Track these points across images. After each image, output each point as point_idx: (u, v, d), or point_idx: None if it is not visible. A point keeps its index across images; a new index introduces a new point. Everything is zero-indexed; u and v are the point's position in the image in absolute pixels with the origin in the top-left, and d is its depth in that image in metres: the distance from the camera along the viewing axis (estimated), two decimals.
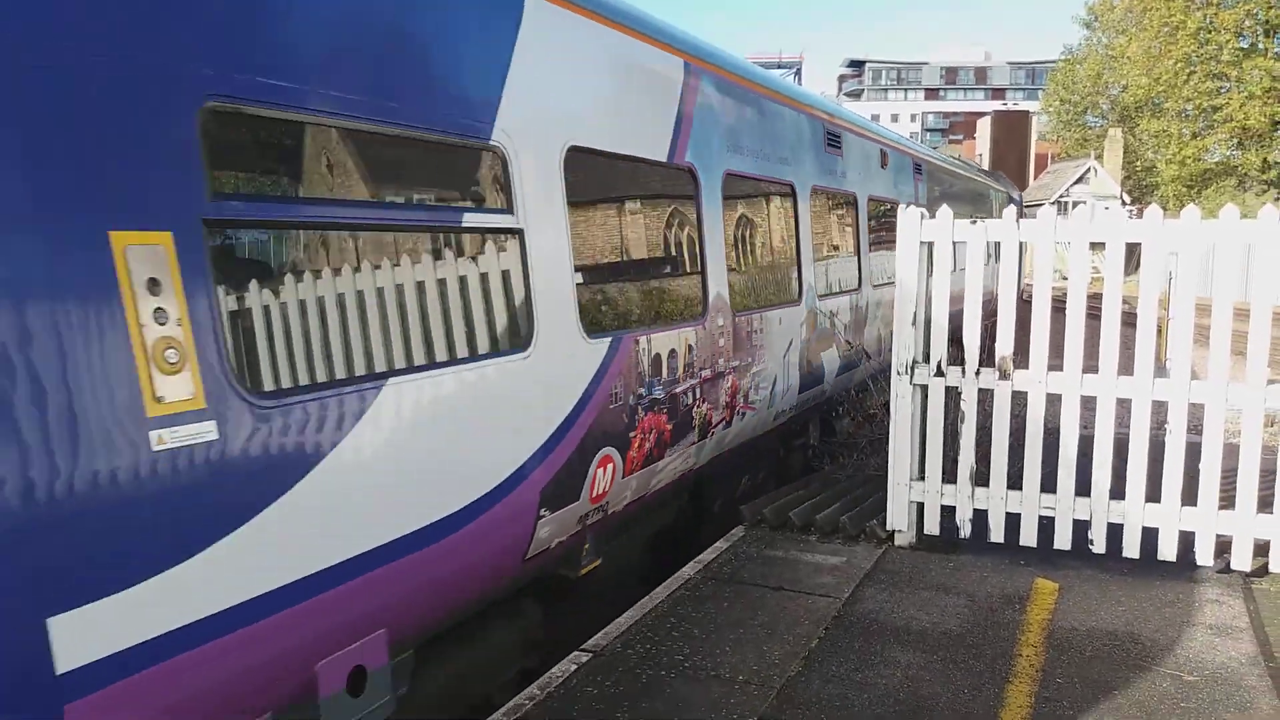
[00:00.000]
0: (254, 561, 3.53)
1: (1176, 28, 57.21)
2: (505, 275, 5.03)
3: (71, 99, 2.98)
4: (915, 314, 7.28)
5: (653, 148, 6.53)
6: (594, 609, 6.51)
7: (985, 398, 7.30)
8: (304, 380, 3.87)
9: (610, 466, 5.92)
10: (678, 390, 6.69)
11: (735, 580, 6.82)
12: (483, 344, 4.86)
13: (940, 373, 7.30)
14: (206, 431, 3.33)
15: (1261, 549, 6.78)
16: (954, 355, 7.33)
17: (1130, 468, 6.86)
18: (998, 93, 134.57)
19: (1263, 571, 6.79)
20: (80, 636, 2.97)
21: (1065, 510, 7.10)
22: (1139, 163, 65.92)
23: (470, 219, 4.87)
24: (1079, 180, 63.59)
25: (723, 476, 8.39)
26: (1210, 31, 56.85)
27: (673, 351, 6.62)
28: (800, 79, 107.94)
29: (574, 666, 5.48)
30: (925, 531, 7.51)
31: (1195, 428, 6.89)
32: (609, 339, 5.85)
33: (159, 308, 3.18)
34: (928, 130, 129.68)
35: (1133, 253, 6.99)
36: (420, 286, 4.54)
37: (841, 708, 5.00)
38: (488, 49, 4.87)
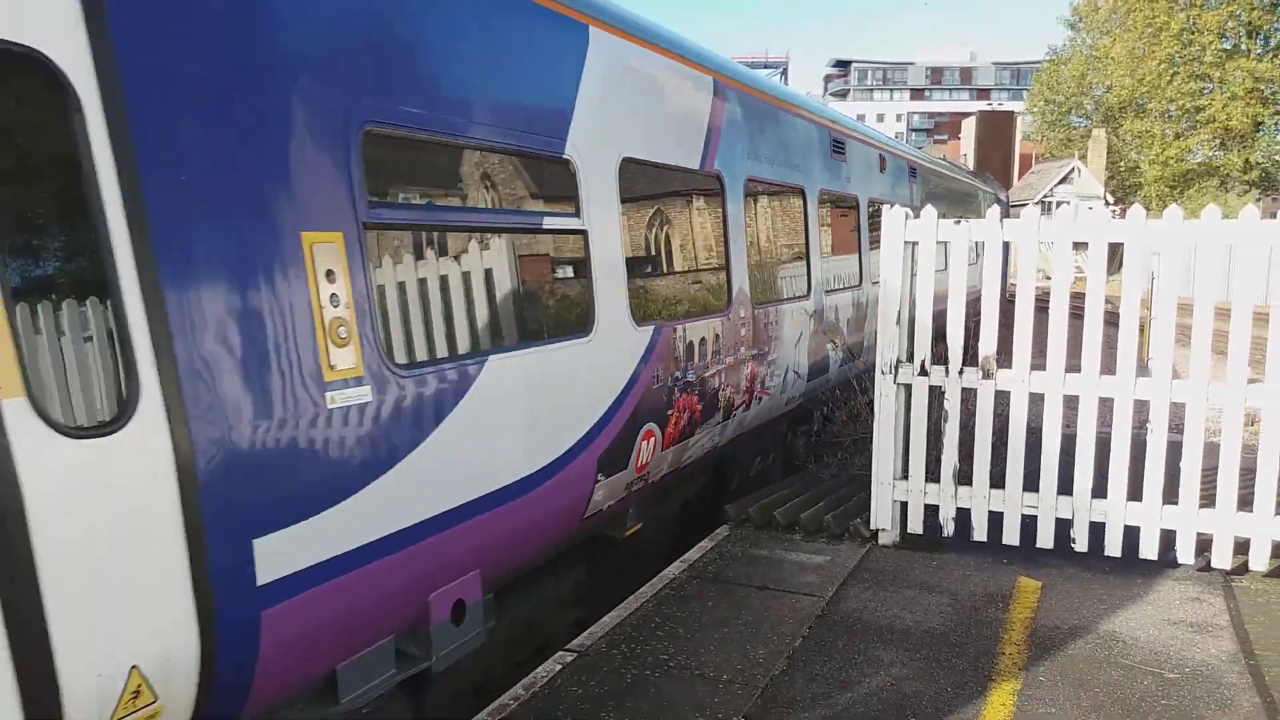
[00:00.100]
0: (393, 504, 4.28)
1: (1160, 29, 57.57)
2: (574, 270, 5.88)
3: (282, 127, 3.77)
4: (899, 313, 7.30)
5: (688, 157, 7.25)
6: (632, 568, 7.28)
7: (968, 397, 7.33)
8: (429, 355, 4.69)
9: (652, 440, 6.65)
10: (707, 375, 7.39)
11: (720, 579, 6.83)
12: (557, 329, 5.71)
13: (924, 372, 7.32)
14: (364, 395, 4.11)
15: (1241, 547, 6.83)
16: (938, 354, 7.35)
17: (1112, 467, 6.90)
18: (983, 93, 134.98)
19: (1243, 569, 6.84)
20: (274, 556, 3.69)
21: (1048, 509, 7.13)
22: (1122, 163, 66.24)
23: (549, 222, 5.70)
24: (1063, 180, 63.90)
25: (741, 456, 9.04)
26: (1193, 33, 57.24)
27: (703, 339, 7.31)
28: (786, 79, 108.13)
29: (559, 666, 5.47)
30: (909, 530, 7.54)
31: (1177, 427, 6.93)
32: (652, 327, 6.56)
33: (333, 293, 3.97)
34: (913, 130, 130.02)
35: (1115, 252, 7.02)
36: (514, 278, 5.42)
37: (825, 707, 5.01)
38: (563, 75, 5.67)
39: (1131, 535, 6.99)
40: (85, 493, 3.08)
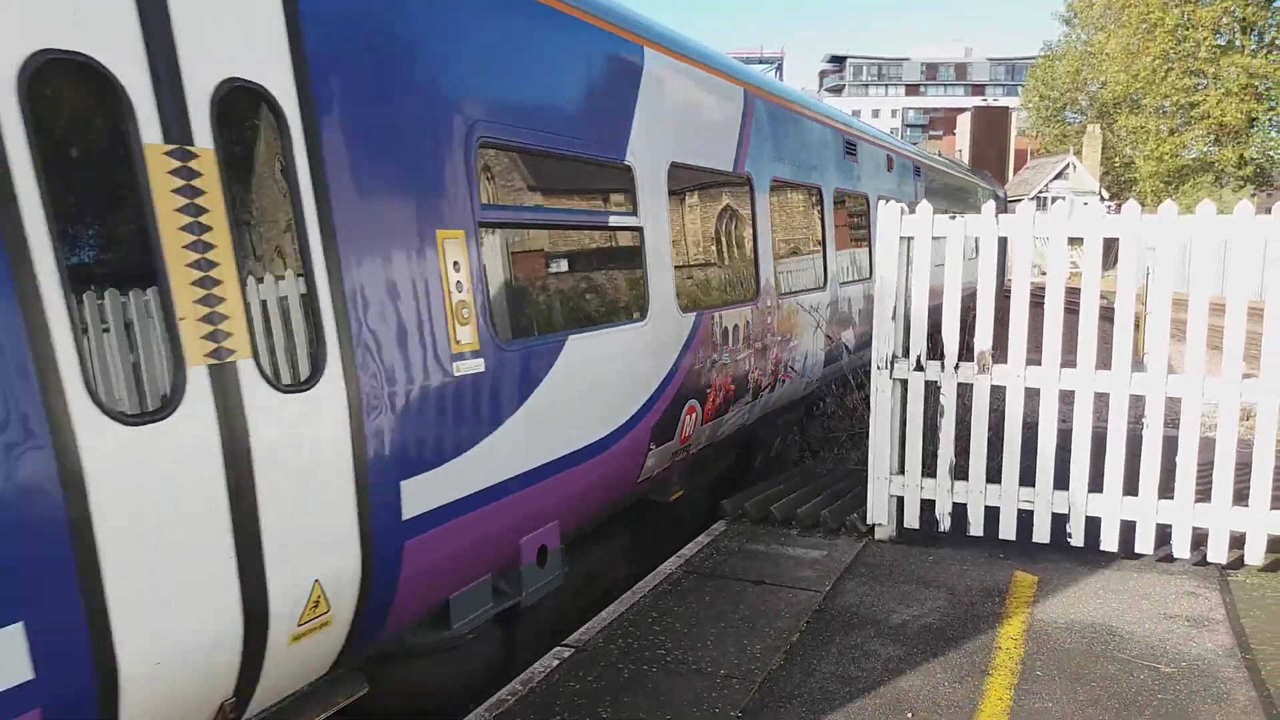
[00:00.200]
0: (496, 459, 5.06)
1: (1155, 25, 57.65)
2: (632, 261, 6.64)
3: (425, 143, 4.61)
4: (895, 309, 7.31)
5: (722, 160, 8.02)
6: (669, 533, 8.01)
7: (964, 392, 7.34)
8: (525, 334, 5.47)
9: (694, 415, 7.44)
10: (739, 358, 8.15)
11: (717, 575, 6.84)
12: (620, 313, 6.48)
13: (920, 367, 7.33)
14: (479, 365, 4.91)
15: (1237, 541, 6.84)
16: (934, 350, 7.36)
17: (1108, 462, 6.91)
18: (978, 89, 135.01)
19: (1239, 564, 6.86)
20: (414, 496, 4.45)
21: (1044, 504, 7.14)
22: (1117, 159, 66.33)
23: (613, 219, 6.49)
24: (1058, 176, 64.00)
25: (764, 435, 9.74)
26: (1188, 29, 57.32)
27: (736, 326, 8.07)
28: (781, 74, 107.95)
29: (556, 662, 5.48)
30: (905, 525, 7.55)
31: (1172, 422, 6.94)
32: (695, 314, 7.34)
33: (458, 280, 4.78)
34: (908, 126, 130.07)
35: (1111, 248, 7.02)
36: (587, 268, 6.36)
37: (822, 701, 5.02)
38: (626, 91, 6.47)
39: (1128, 530, 7.00)
40: (290, 437, 3.82)
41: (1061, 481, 7.08)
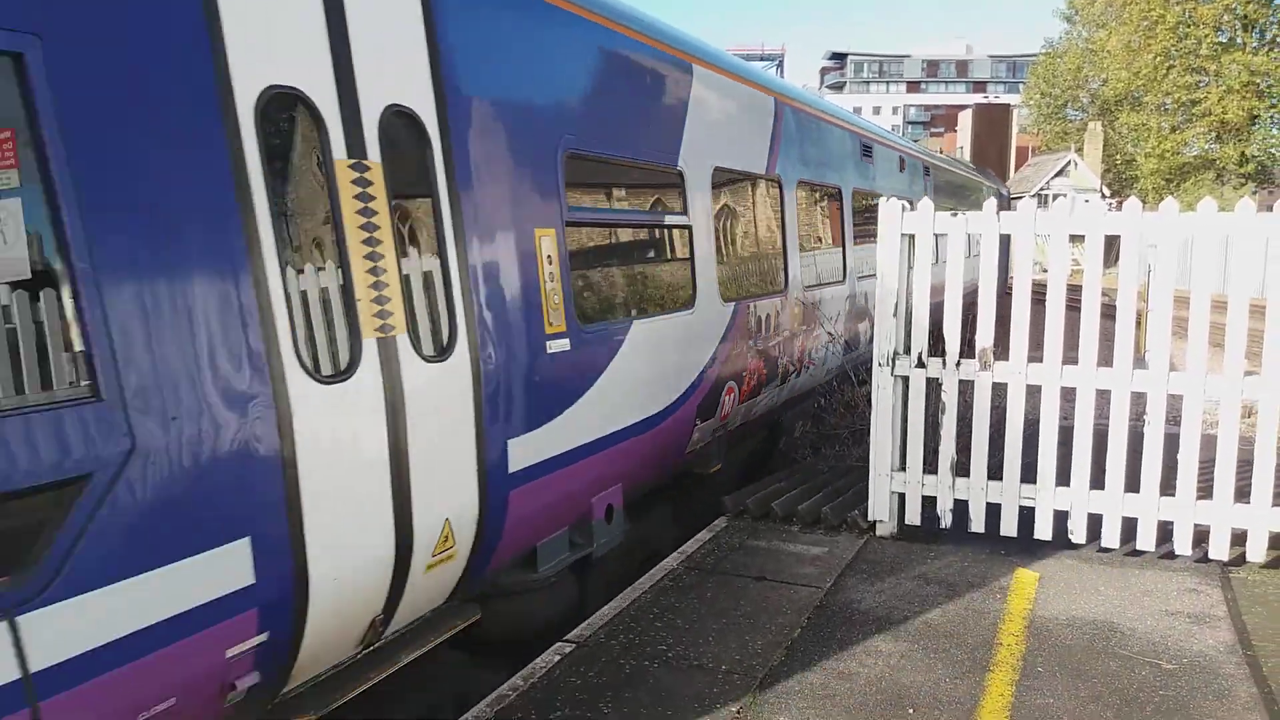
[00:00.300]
0: (576, 426, 5.85)
1: (1156, 22, 57.61)
2: (683, 256, 7.37)
3: (530, 153, 5.48)
4: (896, 306, 7.30)
5: (756, 164, 8.81)
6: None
7: (966, 389, 7.33)
8: (599, 319, 6.25)
9: (732, 395, 8.22)
10: (770, 345, 8.92)
11: (718, 571, 6.84)
12: (673, 303, 7.27)
13: (921, 364, 7.33)
14: (565, 345, 5.67)
15: (1239, 538, 6.84)
16: (935, 347, 7.36)
17: (1110, 459, 6.91)
18: (979, 86, 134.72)
19: (1240, 560, 6.86)
20: (517, 453, 5.23)
21: (1045, 500, 7.15)
22: (1119, 156, 66.28)
23: (668, 219, 7.32)
24: (1059, 173, 63.86)
25: (787, 419, 10.40)
26: (1189, 26, 57.29)
27: (767, 316, 8.83)
28: (782, 71, 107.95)
29: (557, 657, 5.48)
30: (906, 522, 7.55)
31: (1174, 419, 6.94)
32: (733, 304, 8.11)
33: (550, 271, 5.54)
34: (909, 123, 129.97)
35: (1112, 245, 7.02)
36: (647, 262, 7.27)
37: (824, 697, 5.02)
38: (679, 104, 7.24)
39: (1129, 526, 7.01)
40: (432, 399, 4.58)
41: (1063, 478, 7.08)
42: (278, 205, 3.82)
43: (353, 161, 4.21)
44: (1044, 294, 7.02)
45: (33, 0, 2.98)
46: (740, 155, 8.43)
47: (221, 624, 3.61)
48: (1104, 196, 60.06)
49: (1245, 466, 6.75)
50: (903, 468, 7.49)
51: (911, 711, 4.89)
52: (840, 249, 11.29)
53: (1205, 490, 6.85)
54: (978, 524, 7.35)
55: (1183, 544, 6.91)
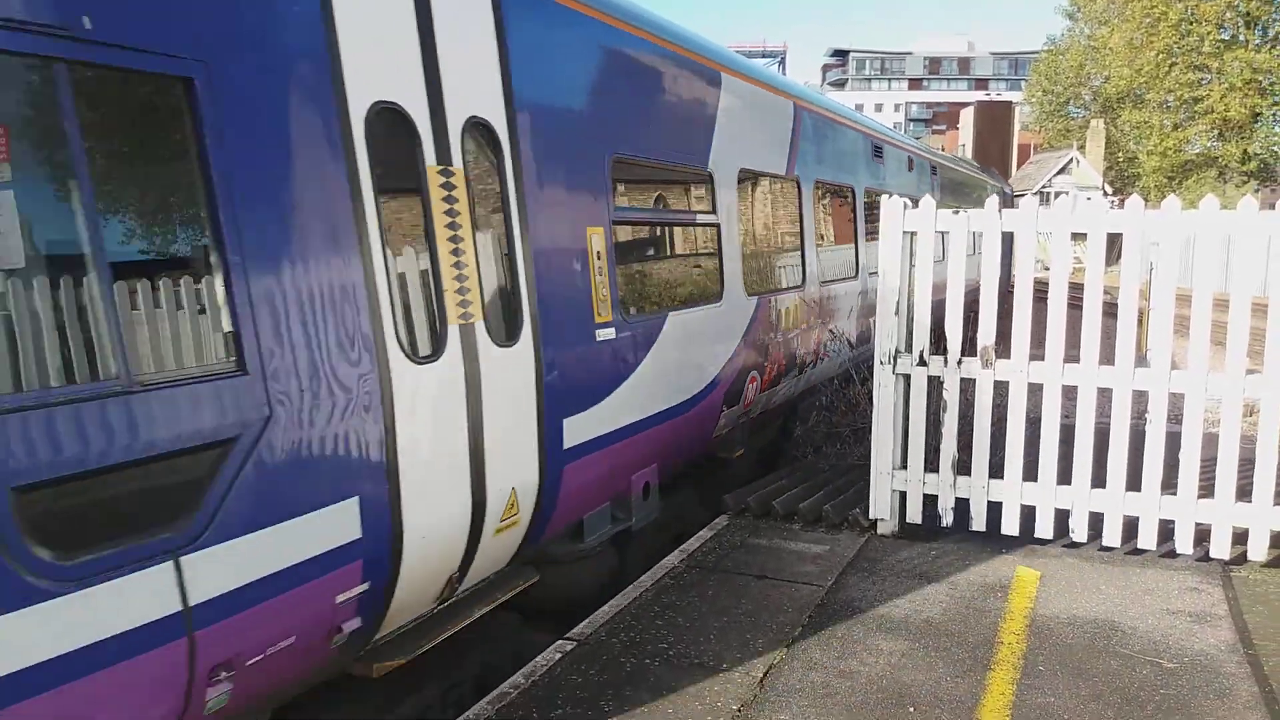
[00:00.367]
0: (619, 408, 6.32)
1: (1158, 19, 57.50)
2: (713, 253, 7.87)
3: (585, 158, 6.04)
4: (898, 304, 7.30)
5: (777, 165, 9.31)
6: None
7: (967, 387, 7.33)
8: (640, 310, 6.77)
9: (754, 384, 8.69)
10: (789, 337, 9.40)
11: (719, 569, 6.84)
12: (704, 296, 7.72)
13: (923, 362, 7.32)
14: (611, 334, 6.17)
15: (1240, 537, 6.84)
16: (937, 345, 7.36)
17: (1111, 457, 6.90)
18: (981, 83, 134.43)
19: (1241, 559, 6.85)
20: (571, 431, 5.74)
21: (1047, 499, 7.14)
22: (1121, 153, 66.20)
23: (700, 218, 7.83)
24: (1061, 170, 63.78)
25: (803, 408, 10.85)
26: (1192, 23, 57.19)
27: (787, 309, 9.34)
28: (784, 68, 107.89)
29: (559, 655, 5.48)
30: (908, 520, 7.55)
31: (1175, 417, 6.94)
32: (757, 298, 8.59)
33: (599, 266, 6.04)
34: (911, 120, 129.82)
35: (1114, 243, 7.01)
36: (681, 257, 7.79)
37: (825, 695, 5.03)
38: (709, 111, 7.76)
39: (1130, 525, 7.00)
40: (502, 379, 5.06)
41: (1064, 477, 7.08)
42: (382, 206, 4.34)
43: (440, 167, 4.74)
44: (1046, 292, 7.02)
45: (201, 36, 3.53)
46: (763, 157, 8.95)
47: (333, 572, 4.10)
48: (1106, 194, 60.02)
49: (1247, 465, 6.75)
50: (904, 466, 7.49)
51: (912, 710, 4.89)
52: (853, 246, 11.74)
53: (1207, 489, 6.85)
54: (979, 522, 7.35)
55: (1184, 543, 6.90)
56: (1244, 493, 6.72)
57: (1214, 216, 6.56)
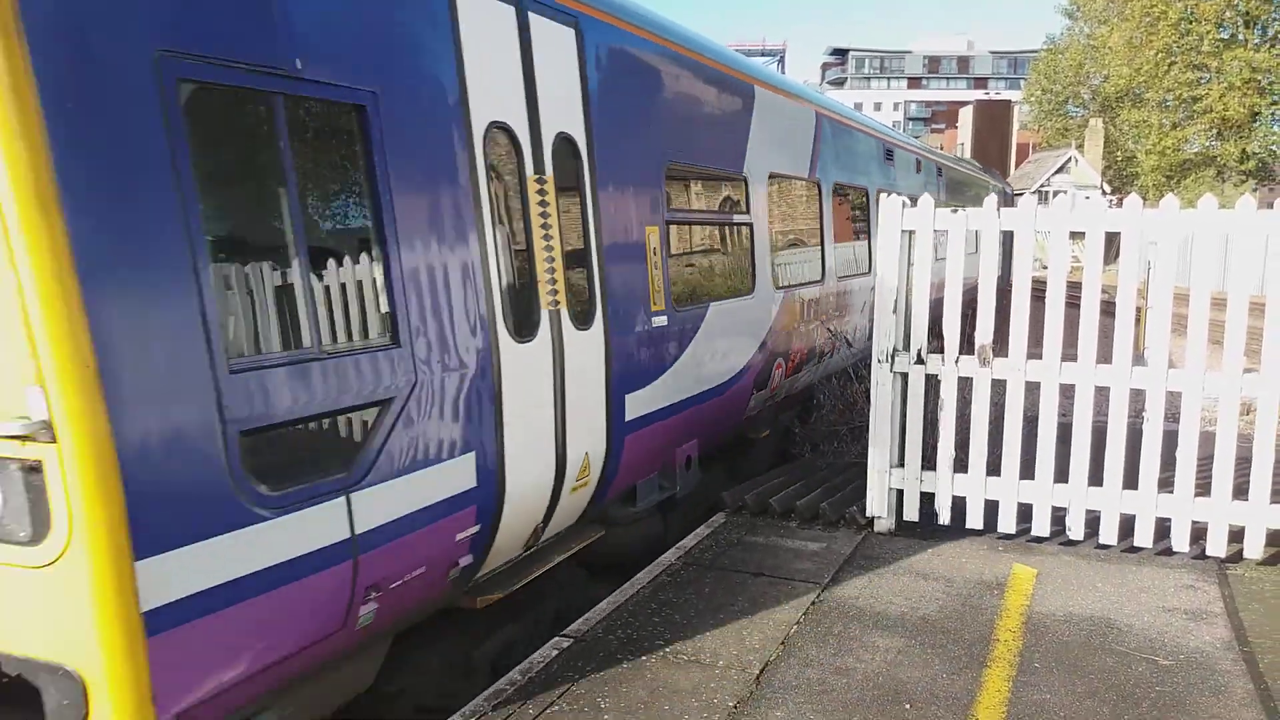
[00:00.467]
0: (669, 387, 7.03)
1: (1158, 18, 57.49)
2: (746, 249, 8.62)
3: (645, 166, 6.81)
4: (896, 302, 7.30)
5: (800, 169, 10.06)
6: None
7: (965, 385, 7.34)
8: (687, 301, 7.39)
9: (780, 370, 9.41)
10: (810, 328, 10.12)
11: (716, 566, 6.85)
12: (739, 289, 8.47)
13: (920, 360, 7.33)
14: (664, 321, 6.88)
15: (1236, 535, 6.85)
16: (935, 343, 7.36)
17: (1108, 455, 6.91)
18: (980, 82, 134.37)
19: (1238, 557, 6.87)
20: (630, 406, 6.44)
21: (1043, 497, 7.15)
22: (1119, 152, 66.18)
23: (736, 218, 8.59)
24: (1060, 169, 63.79)
25: (818, 394, 11.40)
26: (1191, 22, 57.17)
27: (808, 302, 10.06)
28: (783, 67, 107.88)
29: (555, 652, 5.49)
30: (904, 518, 7.56)
31: (1173, 416, 6.95)
32: (782, 291, 9.30)
33: (655, 261, 6.79)
34: (910, 119, 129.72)
35: (1112, 242, 7.02)
36: (720, 253, 8.52)
37: (821, 692, 5.03)
38: (745, 121, 8.55)
39: (1127, 523, 7.02)
40: (579, 357, 5.81)
41: (1061, 475, 7.09)
42: (494, 208, 5.09)
43: (536, 176, 5.51)
44: (1044, 291, 7.02)
45: (371, 73, 4.32)
46: (789, 162, 9.70)
47: (455, 514, 4.85)
48: (1104, 193, 60.03)
49: (1243, 464, 6.76)
50: (901, 464, 7.50)
51: (908, 707, 4.90)
52: (866, 243, 12.38)
53: (1204, 487, 6.86)
54: (975, 520, 7.36)
55: (1180, 541, 6.92)
56: (1240, 491, 6.74)
57: (1212, 216, 6.57)
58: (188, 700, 3.60)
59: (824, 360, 10.75)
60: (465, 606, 5.46)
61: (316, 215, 4.32)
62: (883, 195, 12.23)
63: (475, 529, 5.04)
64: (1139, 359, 6.91)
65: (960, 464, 7.35)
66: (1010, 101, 70.22)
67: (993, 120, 65.70)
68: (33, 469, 3.28)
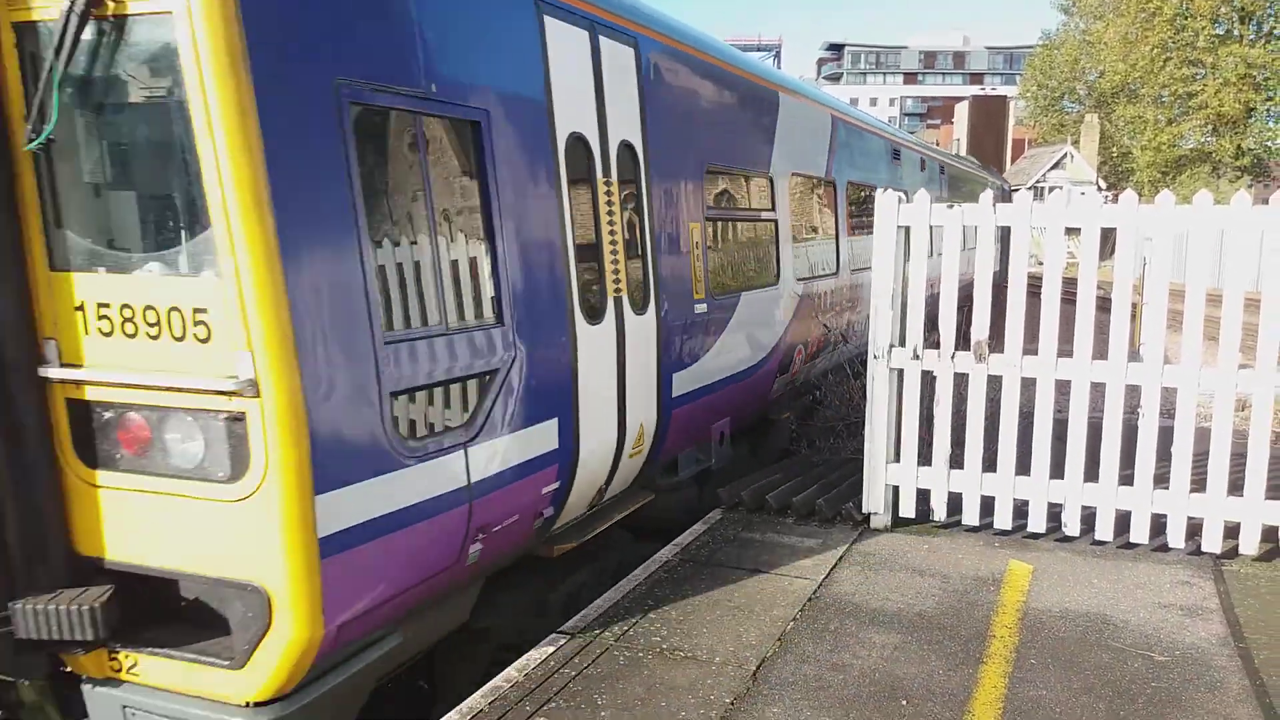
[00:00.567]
0: (708, 368, 7.74)
1: (1153, 14, 57.44)
2: (772, 243, 9.34)
3: (690, 169, 7.50)
4: (892, 298, 7.30)
5: (818, 169, 10.82)
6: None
7: (961, 381, 7.34)
8: (722, 290, 8.07)
9: (800, 356, 10.17)
10: (826, 317, 10.85)
11: (712, 562, 6.85)
12: (767, 280, 9.19)
13: (916, 356, 7.33)
14: (704, 308, 7.60)
15: (1232, 531, 6.86)
16: (931, 339, 7.36)
17: (1104, 451, 6.92)
18: (976, 77, 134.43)
19: (1233, 553, 6.88)
20: (676, 384, 7.17)
21: (1039, 493, 7.16)
22: (1115, 148, 66.17)
23: (764, 214, 9.22)
24: (1055, 165, 63.81)
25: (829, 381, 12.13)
26: (1186, 18, 57.13)
27: (825, 293, 10.80)
28: (779, 62, 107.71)
29: (552, 649, 5.49)
30: (901, 514, 7.56)
31: (1168, 412, 6.95)
32: (803, 282, 10.00)
33: (697, 254, 7.47)
34: (906, 115, 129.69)
35: (1108, 238, 7.02)
36: (752, 246, 9.16)
37: (817, 689, 5.04)
38: (771, 126, 9.29)
39: (1123, 519, 7.02)
40: (637, 339, 6.54)
41: (1057, 471, 7.09)
42: (572, 207, 5.83)
43: (604, 179, 6.25)
44: (1040, 287, 7.02)
45: (484, 94, 5.12)
46: (809, 162, 10.44)
47: (542, 471, 5.60)
48: (1100, 189, 60.03)
49: (1239, 460, 6.77)
50: (897, 460, 7.50)
51: (905, 703, 4.91)
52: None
53: (1199, 483, 6.86)
54: (971, 516, 7.37)
55: (1176, 537, 6.93)
56: (1236, 487, 6.75)
57: (1207, 212, 6.57)
58: (345, 615, 4.27)
59: (838, 348, 11.37)
60: (543, 554, 6.20)
61: (443, 212, 4.97)
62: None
63: (556, 485, 5.80)
64: (1134, 355, 6.92)
65: (956, 460, 7.36)
66: (1006, 97, 69.99)
67: (988, 116, 65.52)
68: (236, 419, 3.95)
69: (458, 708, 4.89)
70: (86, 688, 4.52)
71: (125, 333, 4.03)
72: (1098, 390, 6.95)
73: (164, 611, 4.30)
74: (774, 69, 9.83)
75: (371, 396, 4.29)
